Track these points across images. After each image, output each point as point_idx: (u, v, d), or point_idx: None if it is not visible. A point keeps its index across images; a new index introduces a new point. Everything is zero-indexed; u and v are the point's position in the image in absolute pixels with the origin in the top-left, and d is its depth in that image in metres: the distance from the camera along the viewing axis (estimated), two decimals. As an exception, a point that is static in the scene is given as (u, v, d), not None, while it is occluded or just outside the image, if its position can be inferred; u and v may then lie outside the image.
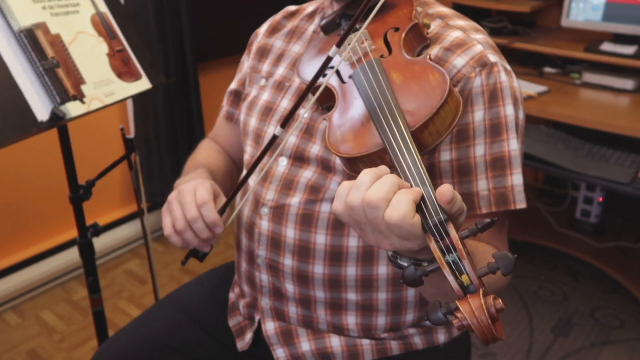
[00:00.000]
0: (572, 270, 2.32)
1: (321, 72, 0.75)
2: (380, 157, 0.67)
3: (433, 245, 0.57)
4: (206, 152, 1.15)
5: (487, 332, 0.54)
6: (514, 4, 2.32)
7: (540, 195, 2.64)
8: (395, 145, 0.63)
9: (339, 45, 0.73)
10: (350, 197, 0.59)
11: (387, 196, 0.57)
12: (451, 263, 0.57)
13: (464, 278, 0.56)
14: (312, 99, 0.84)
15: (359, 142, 0.69)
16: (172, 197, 0.88)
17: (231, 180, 1.14)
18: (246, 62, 1.10)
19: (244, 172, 1.04)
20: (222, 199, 0.90)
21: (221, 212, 0.87)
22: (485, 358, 1.88)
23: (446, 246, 0.57)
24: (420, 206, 0.58)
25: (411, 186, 0.60)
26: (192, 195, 0.85)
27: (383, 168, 0.61)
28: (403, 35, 0.77)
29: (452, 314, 0.56)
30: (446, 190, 0.57)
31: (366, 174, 0.60)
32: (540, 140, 1.93)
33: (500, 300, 0.55)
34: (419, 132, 0.65)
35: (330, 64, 0.81)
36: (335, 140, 0.71)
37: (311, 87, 0.76)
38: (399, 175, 0.61)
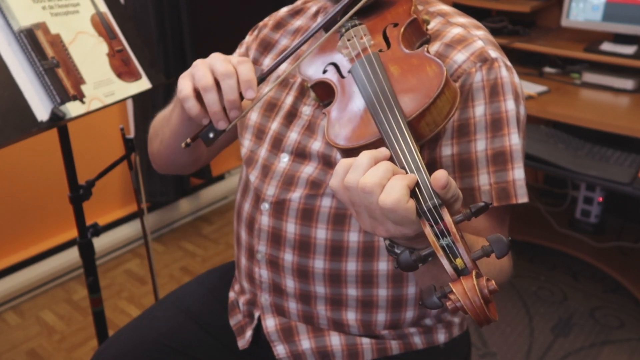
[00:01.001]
0: (572, 270, 2.32)
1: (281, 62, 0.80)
2: (377, 148, 0.68)
3: (427, 230, 0.58)
4: None
5: (480, 313, 0.55)
6: (514, 4, 2.32)
7: (540, 195, 2.64)
8: (391, 134, 0.64)
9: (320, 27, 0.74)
10: (347, 178, 0.60)
11: (381, 182, 0.58)
12: (445, 247, 0.57)
13: (458, 262, 0.57)
14: (311, 95, 0.85)
15: (357, 134, 0.70)
16: (199, 60, 0.78)
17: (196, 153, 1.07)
18: (252, 51, 1.07)
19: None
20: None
21: (260, 79, 0.79)
22: (485, 358, 1.88)
23: (440, 230, 0.57)
24: (414, 191, 0.59)
25: (406, 173, 0.61)
26: (226, 57, 0.77)
27: (382, 150, 0.62)
28: (402, 30, 0.79)
29: (446, 297, 0.56)
30: (441, 175, 0.57)
31: (364, 156, 0.61)
32: (540, 140, 1.93)
33: (493, 282, 0.55)
34: (415, 122, 0.66)
35: (331, 61, 0.82)
36: (333, 133, 0.72)
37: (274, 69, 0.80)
38: (395, 163, 0.62)
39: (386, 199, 0.57)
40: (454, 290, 0.56)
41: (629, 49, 2.02)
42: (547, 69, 2.21)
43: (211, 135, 0.79)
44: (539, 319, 2.05)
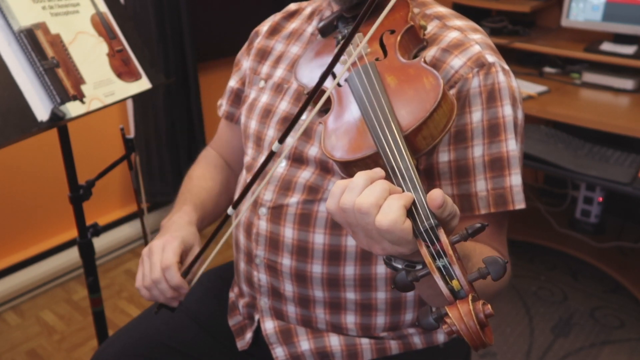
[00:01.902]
0: (572, 270, 2.32)
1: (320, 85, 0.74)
2: (374, 161, 0.67)
3: (424, 251, 0.57)
4: (201, 172, 1.15)
5: (475, 338, 0.54)
6: (514, 4, 2.32)
7: (540, 195, 2.64)
8: (387, 150, 0.63)
9: (339, 53, 0.72)
10: (343, 199, 0.59)
11: (378, 202, 0.57)
12: (442, 268, 0.57)
13: (455, 283, 0.56)
14: (314, 108, 0.84)
15: (353, 146, 0.69)
16: (145, 252, 0.93)
17: (227, 196, 1.14)
18: (245, 61, 1.09)
19: (243, 177, 1.03)
20: (195, 250, 0.94)
21: (185, 273, 0.91)
22: (485, 358, 1.88)
23: (437, 251, 0.57)
24: (411, 211, 0.58)
25: (403, 191, 0.60)
26: (159, 255, 0.90)
27: (377, 171, 0.61)
28: (399, 38, 0.77)
29: (442, 319, 0.56)
30: (436, 195, 0.57)
31: (360, 177, 0.60)
32: (540, 140, 1.93)
33: (489, 306, 0.55)
34: (412, 136, 0.65)
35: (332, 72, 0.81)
36: (330, 144, 0.71)
37: (312, 97, 0.75)
38: (392, 179, 0.62)
39: (383, 219, 0.56)
40: (449, 314, 0.55)
41: (629, 49, 2.02)
42: (547, 69, 2.21)
43: (171, 306, 0.94)
44: (539, 319, 2.05)
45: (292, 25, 1.03)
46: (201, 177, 1.13)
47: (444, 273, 0.57)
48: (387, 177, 0.61)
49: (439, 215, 0.58)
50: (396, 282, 0.59)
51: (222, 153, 1.20)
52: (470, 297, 0.55)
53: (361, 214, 0.58)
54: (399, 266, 0.63)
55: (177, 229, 0.96)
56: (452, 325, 0.55)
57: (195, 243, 0.96)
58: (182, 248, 0.92)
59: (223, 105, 1.14)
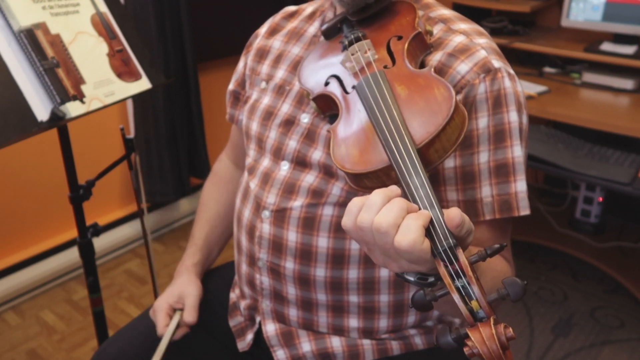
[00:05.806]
0: (572, 270, 2.32)
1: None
2: (386, 174, 0.66)
3: (442, 270, 0.57)
4: (206, 198, 1.18)
5: None
6: (514, 4, 2.32)
7: (540, 195, 2.64)
8: (402, 165, 0.62)
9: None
10: (360, 218, 0.59)
11: (396, 221, 0.57)
12: (461, 289, 0.56)
13: (474, 304, 0.56)
14: (311, 104, 0.83)
15: (365, 158, 0.68)
16: (151, 314, 1.06)
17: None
18: (243, 63, 1.09)
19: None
20: (190, 302, 1.04)
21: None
22: (485, 358, 1.88)
23: (455, 271, 0.57)
24: (429, 230, 0.58)
25: (419, 208, 0.59)
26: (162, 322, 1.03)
27: (394, 189, 0.60)
28: (406, 45, 0.76)
29: (462, 341, 0.56)
30: (454, 214, 0.57)
31: (377, 195, 0.59)
32: (540, 140, 1.93)
33: (511, 329, 0.55)
34: (425, 149, 0.64)
35: (333, 73, 0.80)
36: (340, 155, 0.70)
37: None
38: (406, 194, 0.61)
39: (402, 240, 0.56)
40: (471, 337, 0.55)
41: (629, 49, 2.02)
42: (547, 69, 2.21)
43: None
44: (539, 319, 2.05)
45: (292, 24, 1.03)
46: (205, 205, 1.17)
47: (463, 293, 0.56)
48: (402, 192, 0.60)
49: (457, 234, 0.57)
50: (414, 301, 0.58)
51: (236, 155, 1.19)
52: (492, 320, 0.55)
53: (380, 234, 0.57)
54: (412, 279, 0.62)
55: (180, 285, 1.08)
56: (473, 347, 0.54)
57: (192, 293, 1.06)
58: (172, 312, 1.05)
59: (227, 109, 1.15)
